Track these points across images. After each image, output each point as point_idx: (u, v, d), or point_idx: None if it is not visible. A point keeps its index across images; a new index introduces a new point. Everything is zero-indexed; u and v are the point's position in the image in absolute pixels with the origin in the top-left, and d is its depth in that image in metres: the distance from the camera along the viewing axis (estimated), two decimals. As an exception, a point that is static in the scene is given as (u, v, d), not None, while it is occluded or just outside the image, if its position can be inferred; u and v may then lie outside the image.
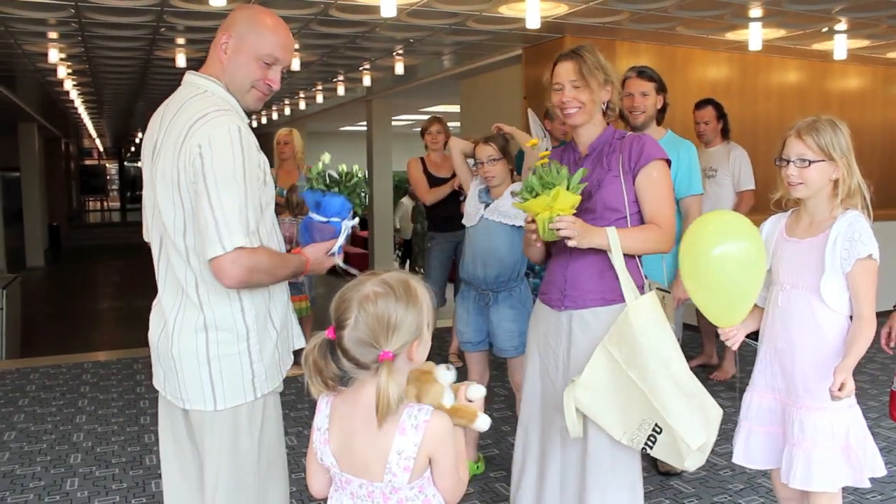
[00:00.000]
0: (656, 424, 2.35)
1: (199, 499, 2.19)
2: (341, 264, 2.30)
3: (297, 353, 5.45)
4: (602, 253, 2.43)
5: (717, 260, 2.28)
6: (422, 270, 7.78)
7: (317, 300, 5.65)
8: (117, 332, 9.26)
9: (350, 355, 1.61)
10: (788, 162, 2.34)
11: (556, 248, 2.57)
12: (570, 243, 2.34)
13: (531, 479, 2.68)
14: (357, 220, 2.31)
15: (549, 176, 2.28)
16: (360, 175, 2.28)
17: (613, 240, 2.39)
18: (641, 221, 2.51)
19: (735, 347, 2.44)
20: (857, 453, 2.32)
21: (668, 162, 2.54)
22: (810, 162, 2.30)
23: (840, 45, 7.16)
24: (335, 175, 2.25)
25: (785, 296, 2.41)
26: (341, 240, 2.25)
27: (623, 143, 2.53)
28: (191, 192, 1.94)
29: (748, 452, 2.52)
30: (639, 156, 2.48)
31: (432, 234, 5.65)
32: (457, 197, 5.15)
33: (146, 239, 2.18)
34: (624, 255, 2.42)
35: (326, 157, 2.30)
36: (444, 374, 1.77)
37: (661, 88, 3.74)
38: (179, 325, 2.03)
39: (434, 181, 5.45)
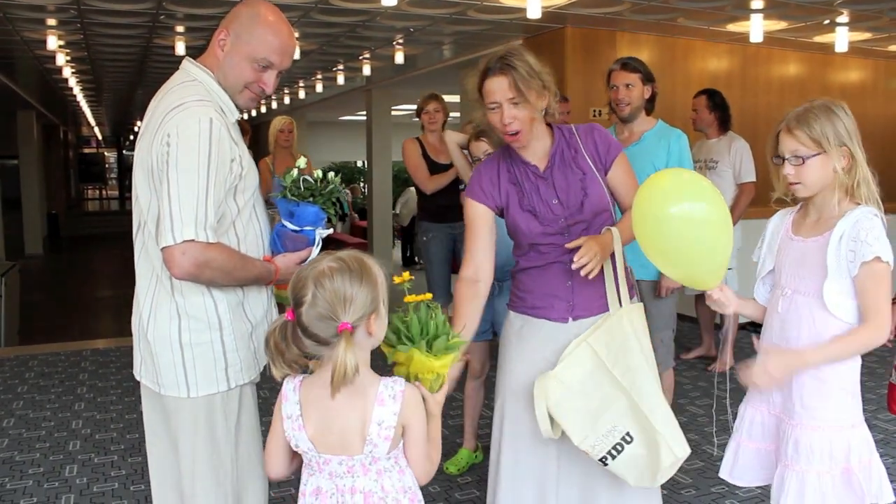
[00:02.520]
0: (627, 433, 2.20)
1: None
2: None
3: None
4: None
5: (674, 220, 1.99)
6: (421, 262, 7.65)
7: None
8: (116, 320, 9.25)
9: (310, 332, 1.64)
10: (784, 160, 2.09)
11: (544, 261, 2.40)
12: (594, 274, 2.22)
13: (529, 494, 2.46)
14: (332, 229, 2.24)
15: (410, 326, 1.84)
16: (335, 181, 2.19)
17: (617, 240, 2.29)
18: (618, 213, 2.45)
19: (728, 311, 2.16)
20: (859, 476, 2.05)
21: None
22: (804, 159, 2.05)
23: (841, 38, 7.14)
24: (311, 180, 2.17)
25: (785, 301, 2.14)
26: (316, 250, 2.19)
27: (578, 139, 2.40)
28: (157, 181, 1.94)
29: (735, 468, 2.28)
30: (607, 148, 2.39)
31: (428, 224, 5.05)
32: (457, 185, 4.72)
33: None
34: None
35: (302, 162, 2.22)
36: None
37: (648, 78, 3.71)
38: (154, 310, 2.03)
39: (435, 167, 4.95)
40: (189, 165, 1.88)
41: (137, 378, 2.17)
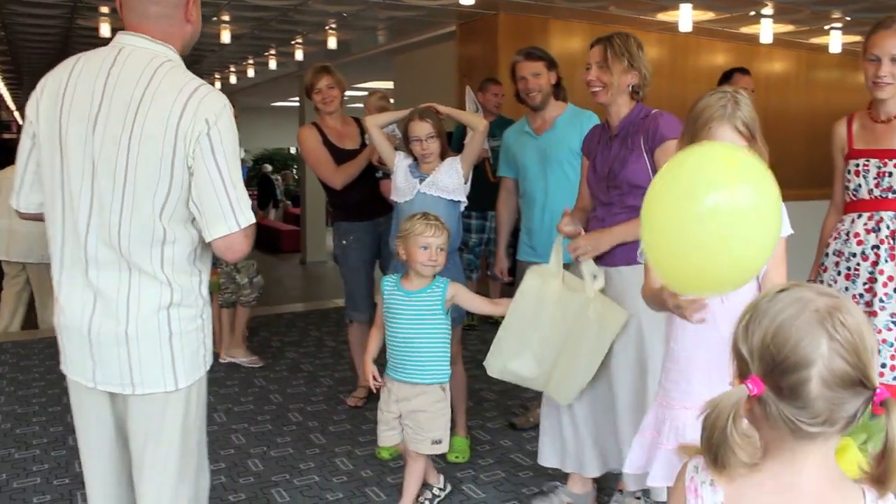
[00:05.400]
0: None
1: (125, 482, 2.10)
2: None
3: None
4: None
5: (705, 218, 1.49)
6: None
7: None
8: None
9: (816, 407, 1.06)
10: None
11: (592, 216, 2.91)
12: (585, 257, 2.76)
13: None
14: None
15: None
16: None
17: (617, 237, 2.74)
18: None
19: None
20: None
21: None
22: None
23: (766, 30, 7.34)
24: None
25: None
26: None
27: (645, 122, 2.76)
28: (191, 168, 1.85)
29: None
30: (654, 135, 2.70)
31: (346, 225, 4.17)
32: (373, 173, 4.05)
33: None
34: None
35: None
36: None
37: (552, 65, 3.76)
38: (136, 305, 1.89)
39: (340, 156, 4.07)
40: (233, 149, 1.91)
41: (90, 386, 1.99)
